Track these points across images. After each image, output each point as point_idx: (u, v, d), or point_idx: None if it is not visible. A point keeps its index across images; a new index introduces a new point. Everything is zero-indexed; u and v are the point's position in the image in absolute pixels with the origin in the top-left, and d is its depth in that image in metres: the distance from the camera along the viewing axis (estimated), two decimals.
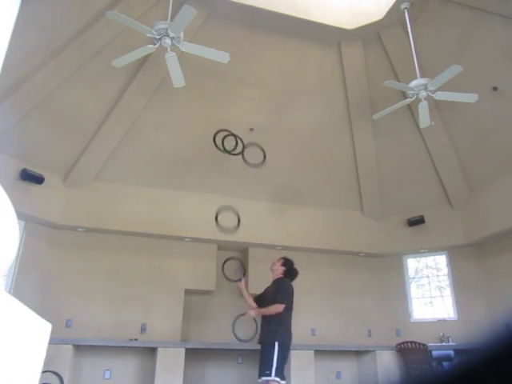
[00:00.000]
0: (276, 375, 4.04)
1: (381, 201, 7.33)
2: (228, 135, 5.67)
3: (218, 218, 5.73)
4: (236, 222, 5.84)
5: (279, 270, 4.61)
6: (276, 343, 4.17)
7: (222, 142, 5.59)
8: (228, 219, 6.10)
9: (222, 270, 5.99)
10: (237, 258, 6.20)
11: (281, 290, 4.43)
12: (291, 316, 4.46)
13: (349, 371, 6.68)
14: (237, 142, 5.68)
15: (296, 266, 4.74)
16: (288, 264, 4.64)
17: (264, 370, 4.11)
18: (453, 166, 6.64)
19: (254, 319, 5.36)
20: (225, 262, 6.07)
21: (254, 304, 4.73)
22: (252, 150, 5.85)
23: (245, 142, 5.74)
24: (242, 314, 5.39)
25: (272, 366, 4.06)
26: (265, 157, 5.78)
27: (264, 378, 4.07)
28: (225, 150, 5.50)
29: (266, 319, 4.44)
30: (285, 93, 6.26)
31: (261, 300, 4.71)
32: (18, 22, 2.12)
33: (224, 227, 5.84)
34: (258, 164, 5.73)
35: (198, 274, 6.61)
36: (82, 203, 6.17)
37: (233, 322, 5.89)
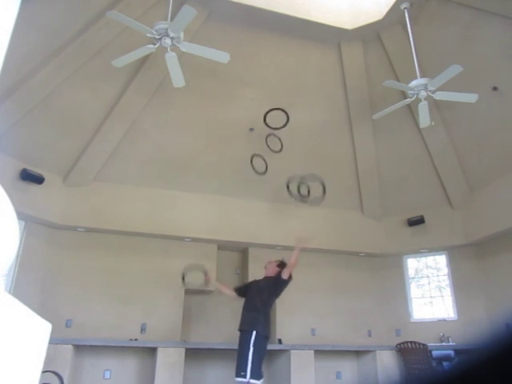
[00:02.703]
0: (252, 377, 3.88)
1: (381, 201, 7.33)
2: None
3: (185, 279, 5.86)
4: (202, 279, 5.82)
5: (274, 270, 4.63)
6: (253, 332, 4.10)
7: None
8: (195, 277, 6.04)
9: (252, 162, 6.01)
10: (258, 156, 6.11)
11: (278, 281, 4.52)
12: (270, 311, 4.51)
13: (349, 371, 6.67)
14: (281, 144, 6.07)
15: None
16: (283, 267, 4.63)
17: (239, 370, 3.99)
18: (453, 165, 6.64)
19: (207, 276, 5.36)
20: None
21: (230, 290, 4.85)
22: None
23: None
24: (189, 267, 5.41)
25: (247, 365, 3.93)
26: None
27: (239, 380, 3.93)
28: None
29: (248, 306, 4.43)
30: (285, 93, 6.26)
31: (244, 289, 4.74)
32: (18, 22, 2.12)
33: (191, 283, 5.94)
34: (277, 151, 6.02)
35: (198, 274, 6.60)
36: (82, 203, 6.17)
37: (183, 273, 5.82)
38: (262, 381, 4.02)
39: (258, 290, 4.52)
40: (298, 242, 4.60)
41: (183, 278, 5.81)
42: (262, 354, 4.16)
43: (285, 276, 4.46)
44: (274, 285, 4.52)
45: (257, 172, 5.90)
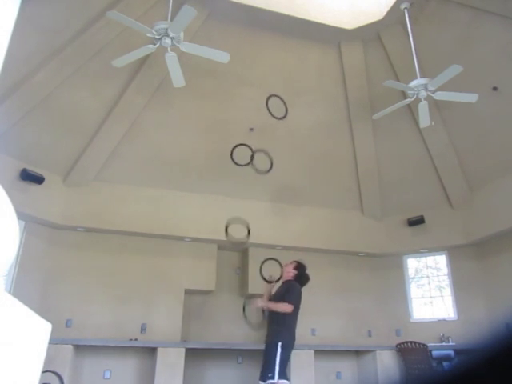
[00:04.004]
0: (280, 377, 4.00)
1: (381, 201, 7.33)
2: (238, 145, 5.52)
3: (228, 230, 5.69)
4: (246, 232, 5.81)
5: (290, 273, 4.59)
6: (279, 344, 4.14)
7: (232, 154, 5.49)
8: (238, 230, 6.05)
9: (260, 270, 5.81)
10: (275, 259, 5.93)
11: (290, 292, 4.40)
12: (296, 319, 4.42)
13: (349, 371, 6.67)
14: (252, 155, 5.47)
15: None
16: (300, 268, 4.63)
17: (267, 373, 4.07)
18: (453, 165, 6.64)
19: (263, 310, 5.29)
20: (263, 262, 5.88)
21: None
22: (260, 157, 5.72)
23: (253, 149, 5.51)
24: (249, 299, 5.30)
25: (275, 368, 4.02)
26: (272, 164, 5.59)
27: (268, 381, 4.03)
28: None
29: (270, 320, 4.43)
30: (285, 93, 6.25)
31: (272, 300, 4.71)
32: (18, 22, 2.12)
33: (234, 238, 5.81)
34: (265, 171, 5.49)
35: (198, 274, 6.61)
36: (82, 203, 6.17)
37: (244, 303, 5.68)
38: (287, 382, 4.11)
39: (276, 299, 4.47)
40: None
41: (226, 230, 5.69)
42: (287, 357, 4.23)
43: (287, 309, 4.27)
44: (285, 291, 4.44)
45: (273, 115, 5.24)
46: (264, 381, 4.08)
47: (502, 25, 5.05)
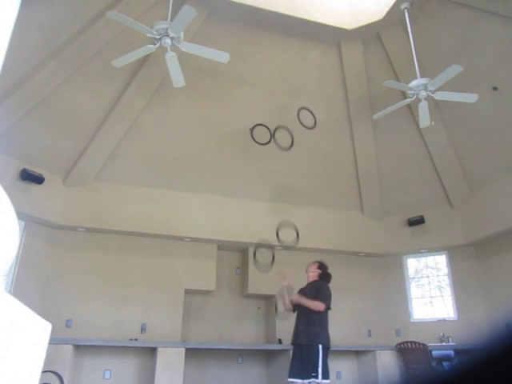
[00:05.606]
0: (323, 378, 4.11)
1: (381, 201, 7.33)
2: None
3: (279, 234, 5.89)
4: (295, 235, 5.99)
5: (315, 273, 4.65)
6: (320, 346, 4.21)
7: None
8: (287, 233, 6.21)
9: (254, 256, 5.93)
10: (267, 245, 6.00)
11: (322, 291, 4.46)
12: (328, 319, 4.50)
13: (349, 371, 6.67)
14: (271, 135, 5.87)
15: (322, 267, 4.79)
16: (323, 267, 4.68)
17: (310, 371, 4.16)
18: (453, 165, 6.64)
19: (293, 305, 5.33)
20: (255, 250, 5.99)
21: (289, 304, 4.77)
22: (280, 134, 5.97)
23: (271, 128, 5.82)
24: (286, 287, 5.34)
25: (318, 368, 4.12)
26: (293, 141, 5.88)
27: (311, 380, 4.15)
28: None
29: (304, 321, 4.42)
30: (285, 93, 6.26)
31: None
32: (18, 22, 2.12)
33: (284, 241, 5.99)
34: (286, 148, 5.85)
35: (198, 274, 6.61)
36: (82, 203, 6.17)
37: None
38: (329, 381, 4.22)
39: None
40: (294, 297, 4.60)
41: (277, 234, 5.80)
42: (327, 358, 4.30)
43: (320, 308, 4.36)
44: (317, 291, 4.47)
45: (304, 125, 5.77)
46: (303, 379, 4.18)
47: (502, 25, 5.05)
